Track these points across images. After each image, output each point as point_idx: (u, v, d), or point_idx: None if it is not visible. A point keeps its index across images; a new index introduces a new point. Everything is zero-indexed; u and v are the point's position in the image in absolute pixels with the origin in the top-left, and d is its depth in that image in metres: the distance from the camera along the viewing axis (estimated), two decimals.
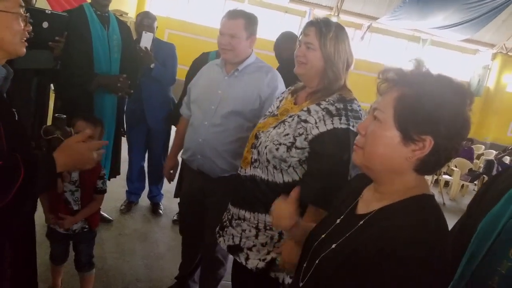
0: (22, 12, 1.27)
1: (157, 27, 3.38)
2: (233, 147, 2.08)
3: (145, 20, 3.28)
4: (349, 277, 0.90)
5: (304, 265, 1.06)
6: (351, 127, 1.48)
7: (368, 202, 1.02)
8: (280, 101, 1.76)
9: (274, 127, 1.62)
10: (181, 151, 2.32)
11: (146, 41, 3.04)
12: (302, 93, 1.69)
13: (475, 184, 7.74)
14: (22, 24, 1.26)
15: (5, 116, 1.24)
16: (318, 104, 1.55)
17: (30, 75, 2.76)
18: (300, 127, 1.54)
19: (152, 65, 3.13)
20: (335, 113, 1.51)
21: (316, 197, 1.49)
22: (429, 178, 7.25)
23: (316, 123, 1.52)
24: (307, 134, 1.53)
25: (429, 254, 0.82)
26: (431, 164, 0.92)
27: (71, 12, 2.84)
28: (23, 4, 1.28)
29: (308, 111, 1.56)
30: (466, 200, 7.59)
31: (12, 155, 1.16)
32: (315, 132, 1.51)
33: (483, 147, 11.22)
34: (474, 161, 8.84)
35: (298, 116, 1.57)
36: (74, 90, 2.68)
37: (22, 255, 1.35)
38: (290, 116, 1.60)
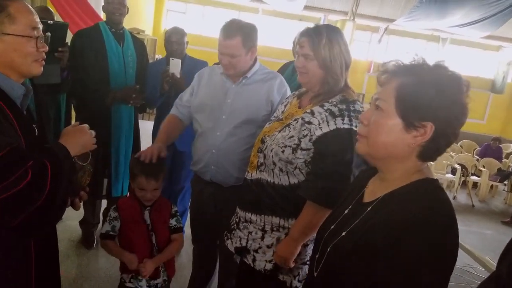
0: (36, 34, 1.23)
1: (187, 42, 3.08)
2: (248, 154, 2.02)
3: (173, 36, 2.99)
4: (360, 262, 0.93)
5: (317, 256, 1.10)
6: (353, 127, 1.51)
7: (374, 191, 1.06)
8: (285, 106, 1.80)
9: (280, 131, 1.66)
10: (191, 163, 2.23)
11: (174, 67, 2.78)
12: (305, 97, 1.73)
13: (505, 184, 7.46)
14: (34, 46, 1.23)
15: (26, 132, 1.25)
16: (321, 106, 1.59)
17: (43, 91, 2.80)
18: (305, 129, 1.58)
19: None
20: (337, 114, 1.54)
21: (319, 195, 1.53)
22: (456, 180, 7.09)
23: (319, 124, 1.55)
24: (311, 135, 1.56)
25: (436, 235, 0.86)
26: (432, 150, 0.96)
27: (87, 30, 2.94)
28: (38, 26, 1.25)
29: (312, 113, 1.59)
30: (496, 201, 7.35)
31: (32, 156, 1.18)
32: (318, 133, 1.55)
33: None
34: (503, 160, 8.59)
35: (302, 118, 1.61)
36: (92, 105, 2.76)
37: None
38: (295, 119, 1.64)
